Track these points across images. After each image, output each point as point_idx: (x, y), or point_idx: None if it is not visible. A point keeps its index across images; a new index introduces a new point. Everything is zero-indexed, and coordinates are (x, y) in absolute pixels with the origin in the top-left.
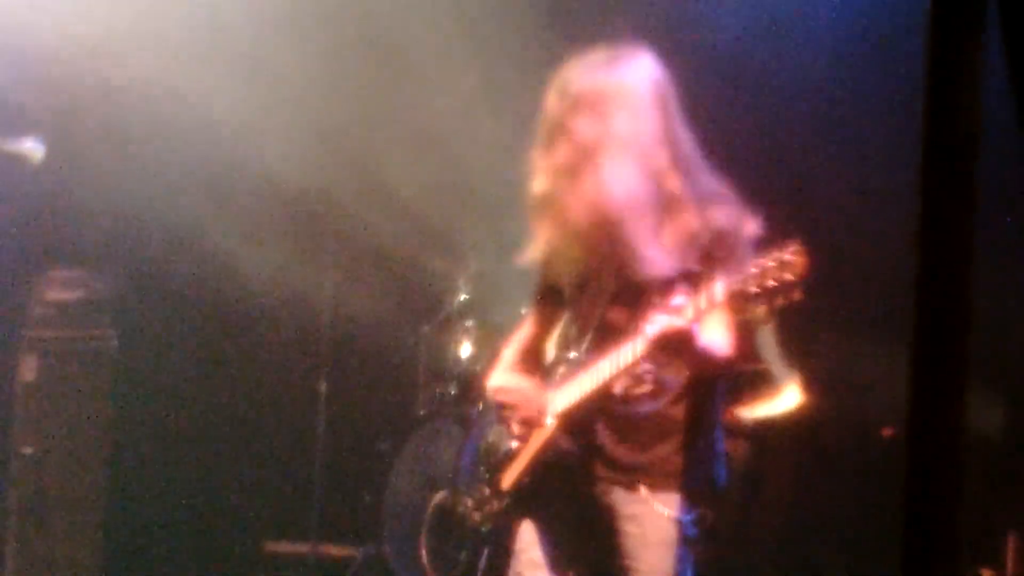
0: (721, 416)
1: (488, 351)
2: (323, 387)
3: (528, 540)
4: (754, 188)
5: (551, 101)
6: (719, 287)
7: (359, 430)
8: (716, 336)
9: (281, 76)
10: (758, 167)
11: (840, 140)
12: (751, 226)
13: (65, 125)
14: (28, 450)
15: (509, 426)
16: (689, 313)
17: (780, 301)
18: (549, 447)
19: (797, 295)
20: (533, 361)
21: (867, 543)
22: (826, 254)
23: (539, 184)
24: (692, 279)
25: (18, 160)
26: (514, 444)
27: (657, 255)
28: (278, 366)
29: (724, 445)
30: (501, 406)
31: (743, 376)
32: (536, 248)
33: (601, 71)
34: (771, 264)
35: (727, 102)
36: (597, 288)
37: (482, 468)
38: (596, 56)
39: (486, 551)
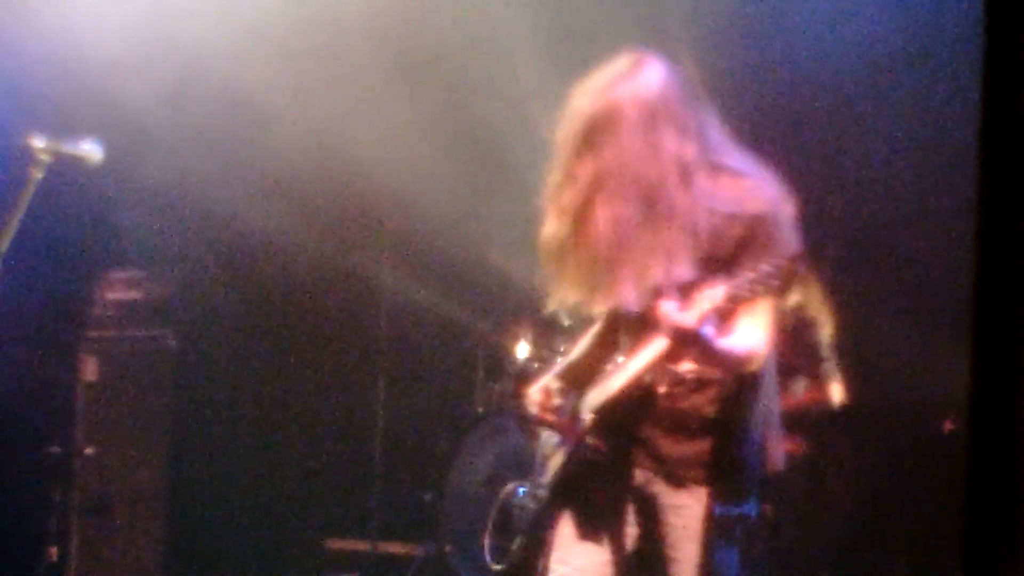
0: (771, 411)
1: (545, 349)
2: (382, 385)
3: (570, 528)
4: (812, 181)
5: (558, 146)
6: (719, 291)
7: (418, 428)
8: (741, 335)
9: (340, 74)
10: (818, 159)
11: (898, 131)
12: (788, 206)
13: (123, 127)
14: (90, 450)
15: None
16: (693, 315)
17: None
18: (582, 441)
19: (783, 296)
20: (588, 366)
21: (929, 539)
22: (885, 246)
23: (552, 229)
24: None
25: (77, 162)
26: (554, 439)
27: (684, 261)
28: (337, 364)
29: (762, 441)
30: (534, 412)
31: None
32: (561, 293)
33: (597, 97)
34: (769, 269)
35: (786, 98)
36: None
37: (539, 460)
38: (590, 84)
39: (531, 541)
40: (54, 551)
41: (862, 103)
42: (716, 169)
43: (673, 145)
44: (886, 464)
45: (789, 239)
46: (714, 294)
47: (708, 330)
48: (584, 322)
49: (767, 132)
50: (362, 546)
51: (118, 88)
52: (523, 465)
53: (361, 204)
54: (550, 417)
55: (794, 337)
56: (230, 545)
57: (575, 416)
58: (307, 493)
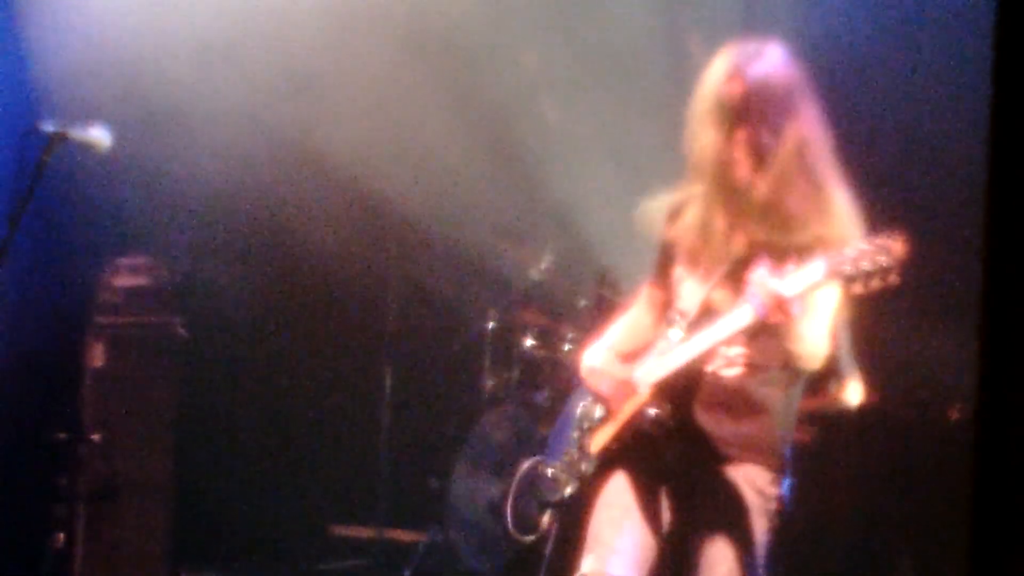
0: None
1: (553, 338)
2: (389, 373)
3: (612, 501)
4: None
5: (726, 87)
6: (820, 264)
7: (425, 416)
8: (815, 326)
9: (350, 62)
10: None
11: (908, 124)
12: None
13: (132, 112)
14: (97, 436)
15: (599, 400)
16: (792, 284)
17: (875, 284)
18: (639, 415)
19: (893, 279)
20: (636, 338)
21: (936, 528)
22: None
23: (710, 153)
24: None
25: (86, 147)
26: (600, 411)
27: (821, 243)
28: (344, 351)
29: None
30: (591, 383)
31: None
32: (688, 222)
33: (773, 61)
34: (870, 247)
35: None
36: (706, 269)
37: (575, 433)
38: (752, 47)
39: (565, 513)
40: (61, 537)
41: (869, 95)
42: None
43: (823, 123)
44: (892, 453)
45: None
46: (814, 268)
47: (798, 307)
48: (601, 305)
49: None
50: (368, 533)
51: (129, 73)
52: (530, 451)
53: (370, 191)
54: (608, 384)
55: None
56: (236, 531)
57: (630, 387)
58: (313, 480)
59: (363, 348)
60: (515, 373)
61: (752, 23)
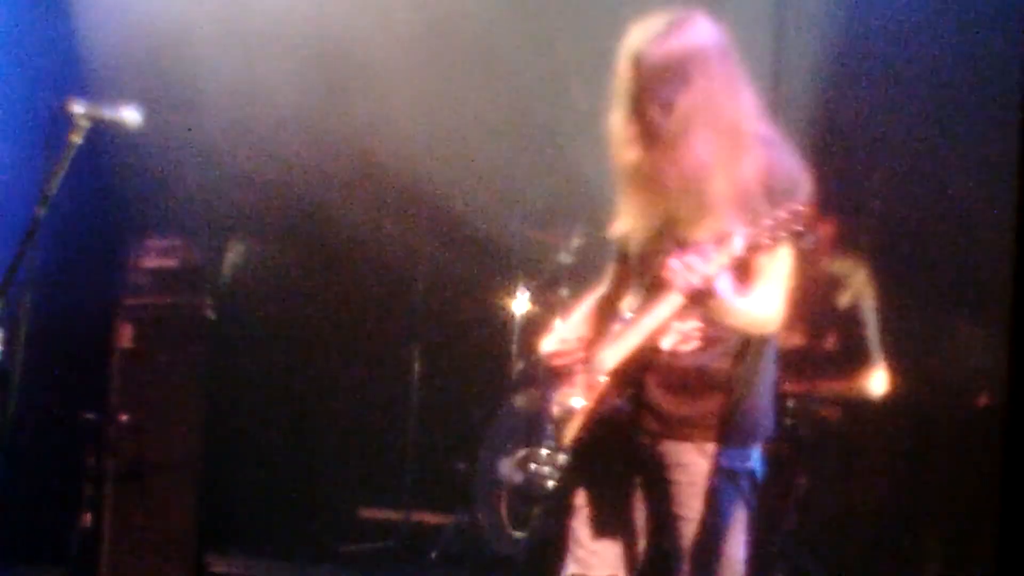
0: (770, 372)
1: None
2: (416, 355)
3: (585, 496)
4: (855, 166)
5: (625, 69)
6: (738, 240)
7: (452, 398)
8: (761, 295)
9: (381, 48)
10: (857, 149)
11: (936, 119)
12: (805, 179)
13: (162, 92)
14: (125, 417)
15: (566, 385)
16: (711, 264)
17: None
18: (602, 403)
19: (805, 243)
20: (598, 322)
21: (963, 514)
22: (921, 223)
23: (626, 153)
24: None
25: (116, 127)
26: (574, 402)
27: (724, 212)
28: (372, 333)
29: (764, 400)
30: (554, 368)
31: (839, 346)
32: (624, 217)
33: (671, 37)
34: (784, 216)
35: (829, 91)
36: (655, 249)
37: (551, 426)
38: (658, 21)
39: (552, 507)
40: (88, 517)
41: (902, 89)
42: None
43: (745, 90)
44: (920, 439)
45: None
46: (732, 244)
47: (724, 284)
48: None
49: (813, 125)
50: (395, 515)
51: (159, 52)
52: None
53: (398, 174)
54: (572, 368)
55: (843, 323)
56: (263, 513)
57: (593, 374)
58: (340, 462)
59: (391, 330)
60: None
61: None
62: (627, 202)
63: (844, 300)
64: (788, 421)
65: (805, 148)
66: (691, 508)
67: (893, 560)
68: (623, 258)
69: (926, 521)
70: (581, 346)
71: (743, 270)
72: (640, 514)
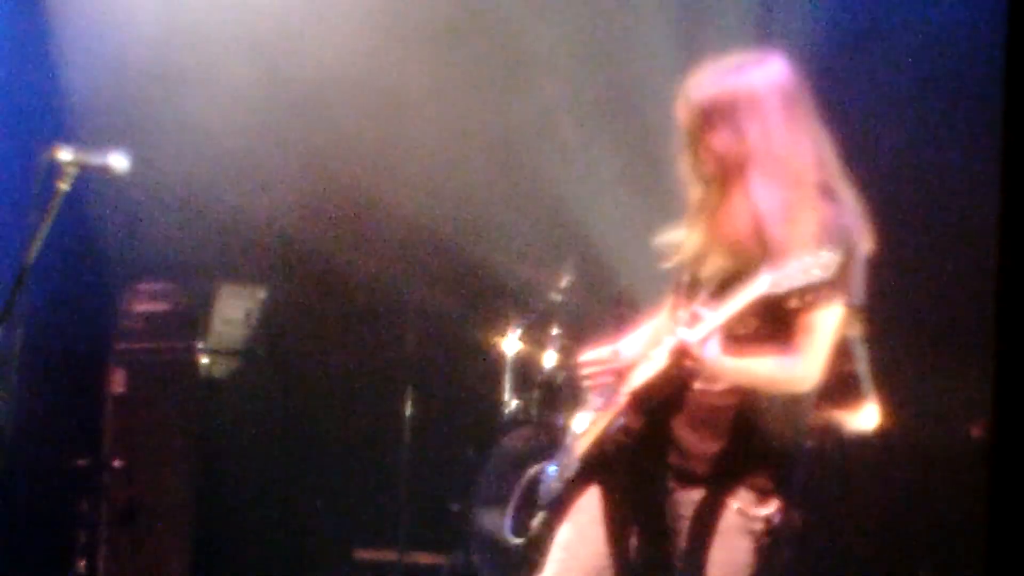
0: (804, 420)
1: (573, 359)
2: (409, 395)
3: (581, 507)
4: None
5: (681, 112)
6: (720, 312)
7: (445, 438)
8: (813, 350)
9: (370, 85)
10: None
11: (917, 131)
12: (867, 241)
13: (150, 138)
14: (118, 462)
15: (591, 390)
16: (695, 331)
17: (810, 299)
18: (615, 420)
19: (826, 293)
20: (644, 347)
21: (954, 547)
22: (906, 250)
23: (692, 192)
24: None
25: (103, 173)
26: (588, 417)
27: (765, 264)
28: (364, 374)
29: (807, 451)
30: (584, 374)
31: (831, 381)
32: (683, 247)
33: (727, 78)
34: (804, 264)
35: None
36: (699, 284)
37: (569, 438)
38: (722, 64)
39: (553, 517)
40: (83, 563)
41: (882, 121)
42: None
43: (814, 141)
44: (913, 469)
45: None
46: (716, 315)
47: (711, 349)
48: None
49: None
50: (390, 556)
51: (144, 97)
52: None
53: (388, 216)
54: (601, 375)
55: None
56: (257, 556)
57: (620, 386)
58: (335, 503)
59: (383, 371)
60: (535, 394)
61: (766, 43)
62: (687, 233)
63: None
64: None
65: None
66: (703, 547)
67: None
68: (677, 288)
69: (919, 555)
70: (617, 366)
71: (782, 323)
72: (648, 542)
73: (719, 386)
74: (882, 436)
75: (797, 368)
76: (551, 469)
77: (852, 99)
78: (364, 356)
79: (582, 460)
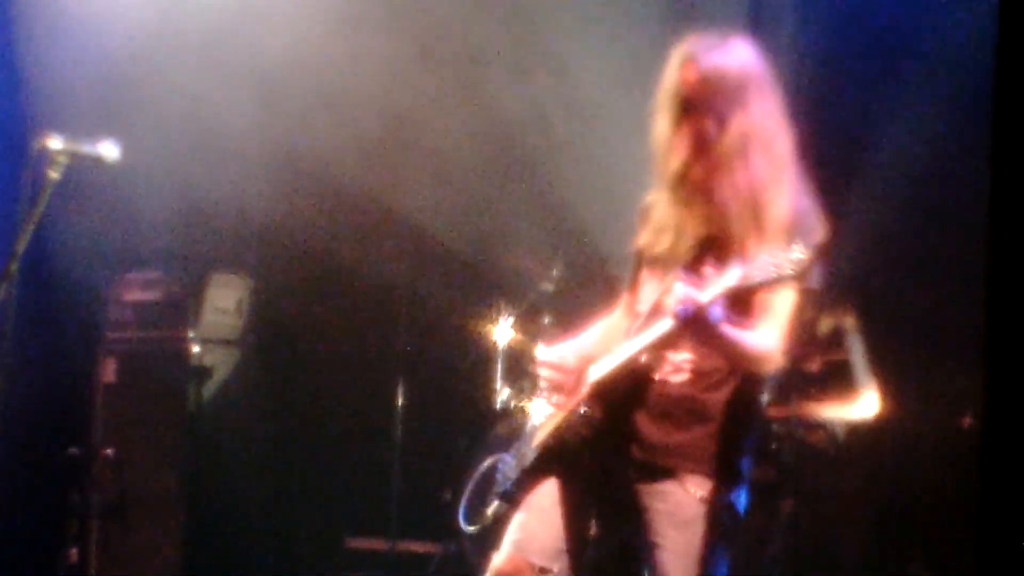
0: (760, 402)
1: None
2: (401, 385)
3: (542, 491)
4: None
5: (678, 73)
6: (735, 271)
7: (437, 428)
8: (759, 332)
9: (362, 74)
10: (832, 178)
11: (910, 128)
12: (822, 226)
13: (141, 126)
14: (109, 451)
15: (548, 391)
16: (705, 292)
17: (779, 287)
18: (574, 412)
19: (795, 283)
20: (607, 342)
21: (946, 536)
22: (897, 243)
23: (670, 160)
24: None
25: (94, 162)
26: (548, 408)
27: (757, 239)
28: (356, 364)
29: (751, 435)
30: (541, 373)
31: (823, 370)
32: (651, 227)
33: (729, 53)
34: (780, 256)
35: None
36: (663, 270)
37: (529, 428)
38: (712, 40)
39: (508, 505)
40: (74, 552)
41: (872, 116)
42: None
43: (787, 127)
44: (904, 461)
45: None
46: (728, 276)
47: (716, 312)
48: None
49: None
50: (382, 545)
51: (136, 85)
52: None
53: (380, 205)
54: (557, 377)
55: (828, 347)
56: (249, 545)
57: (579, 384)
58: (327, 493)
59: (375, 361)
60: (527, 384)
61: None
62: (661, 211)
63: (827, 324)
64: (773, 445)
65: None
66: (668, 537)
67: None
68: (635, 280)
69: (911, 544)
70: (573, 364)
71: (745, 305)
72: (596, 526)
73: (679, 377)
74: (873, 427)
75: (767, 341)
76: (508, 458)
77: (846, 99)
78: (356, 345)
79: (540, 450)
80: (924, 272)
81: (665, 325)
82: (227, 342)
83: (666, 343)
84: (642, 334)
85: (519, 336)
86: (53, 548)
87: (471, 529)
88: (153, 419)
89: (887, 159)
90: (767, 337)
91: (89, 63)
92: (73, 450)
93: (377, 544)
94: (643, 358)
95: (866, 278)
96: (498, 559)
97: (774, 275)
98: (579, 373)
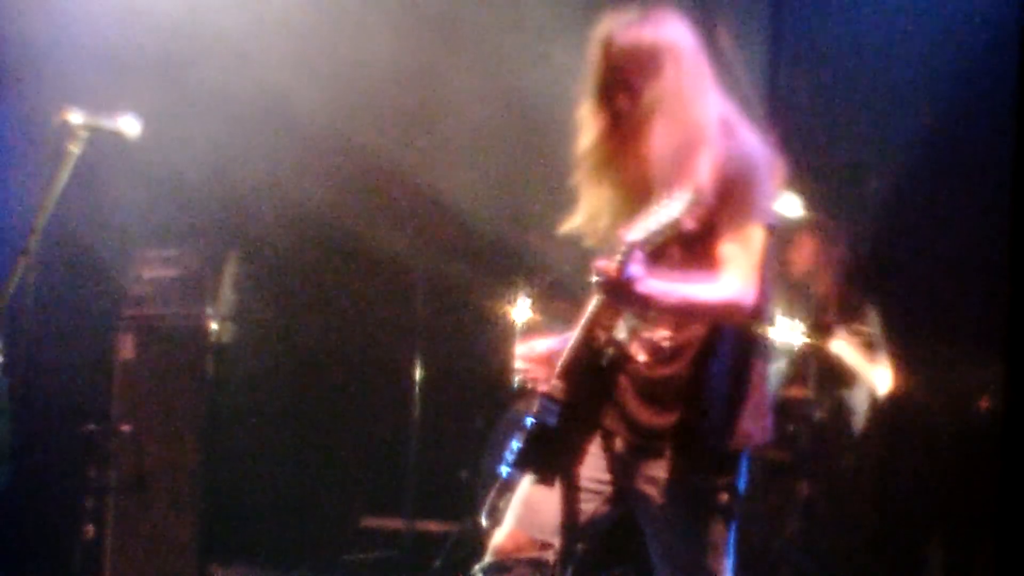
0: (758, 373)
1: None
2: (418, 364)
3: (526, 488)
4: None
5: (595, 56)
6: (637, 230)
7: (454, 407)
8: (718, 283)
9: (381, 55)
10: (856, 168)
11: (932, 120)
12: (774, 171)
13: (162, 102)
14: (127, 428)
15: (525, 382)
16: (613, 259)
17: (671, 233)
18: (540, 397)
19: (687, 225)
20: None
21: (964, 519)
22: (920, 227)
23: (589, 139)
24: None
25: (115, 137)
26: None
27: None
28: (374, 343)
29: (746, 410)
30: (516, 366)
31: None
32: (581, 211)
33: (643, 27)
34: (667, 203)
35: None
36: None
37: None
38: (632, 16)
39: (504, 494)
40: (91, 528)
41: (896, 107)
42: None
43: (714, 91)
44: (921, 442)
45: (751, 206)
46: (633, 234)
47: (632, 271)
48: None
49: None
50: (398, 524)
51: (157, 60)
52: None
53: (398, 184)
54: (529, 368)
55: (852, 318)
56: (266, 523)
57: (549, 373)
58: (343, 471)
59: (393, 340)
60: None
61: (776, 22)
62: (585, 194)
63: (850, 298)
64: (790, 427)
65: (799, 153)
66: (664, 522)
67: (895, 566)
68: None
69: (928, 526)
70: (545, 352)
71: (705, 259)
72: (603, 517)
73: (657, 356)
74: (891, 408)
75: (727, 288)
76: (508, 453)
77: (868, 93)
78: (374, 324)
79: (525, 438)
80: (945, 254)
81: (597, 299)
82: (244, 319)
83: (604, 315)
84: (585, 314)
85: (538, 316)
86: (71, 524)
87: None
88: (171, 396)
89: (911, 150)
90: (726, 285)
91: (114, 40)
92: (90, 427)
93: (393, 523)
94: (610, 339)
95: (887, 257)
96: (499, 535)
97: (665, 220)
98: (549, 362)
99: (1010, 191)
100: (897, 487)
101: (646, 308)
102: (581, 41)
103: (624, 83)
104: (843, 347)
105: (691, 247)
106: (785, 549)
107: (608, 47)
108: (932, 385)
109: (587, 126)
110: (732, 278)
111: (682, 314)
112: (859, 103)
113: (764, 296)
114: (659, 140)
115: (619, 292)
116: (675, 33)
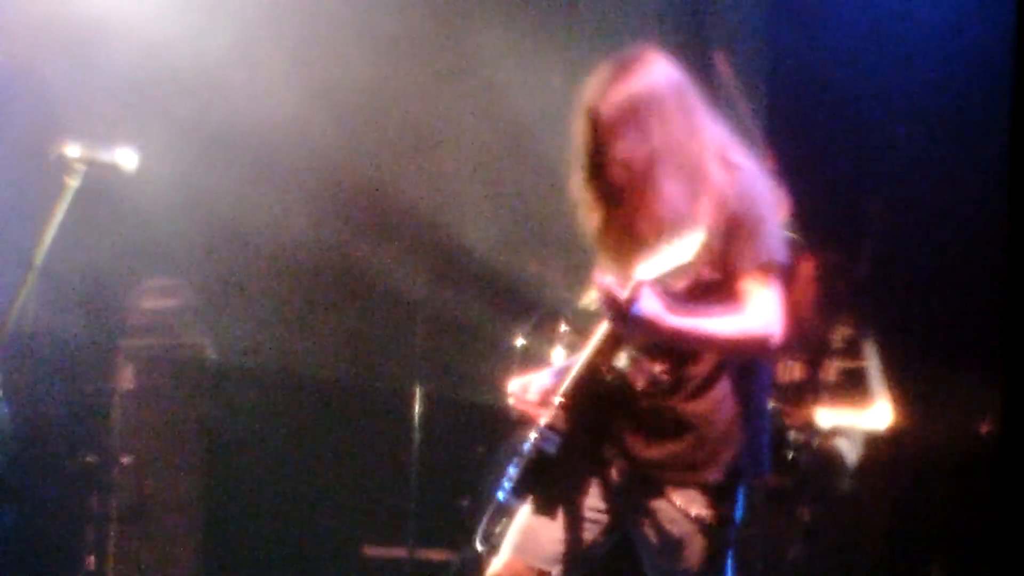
0: (757, 406)
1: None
2: (418, 392)
3: (524, 516)
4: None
5: (586, 128)
6: (644, 267)
7: (455, 435)
8: (737, 318)
9: (369, 80)
10: (849, 183)
11: (927, 152)
12: (775, 209)
13: (159, 134)
14: (127, 459)
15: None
16: (627, 288)
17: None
18: (547, 424)
19: (695, 271)
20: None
21: (967, 539)
22: (916, 249)
23: (594, 215)
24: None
25: (112, 169)
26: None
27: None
28: (373, 370)
29: (748, 443)
30: (509, 403)
31: (839, 378)
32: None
33: (620, 86)
34: (683, 244)
35: (816, 124)
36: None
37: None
38: (607, 69)
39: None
40: (92, 560)
41: (887, 126)
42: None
43: (707, 126)
44: (922, 465)
45: (765, 241)
46: (644, 273)
47: (646, 306)
48: None
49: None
50: (399, 553)
51: (153, 93)
52: None
53: (398, 212)
54: (522, 406)
55: (846, 353)
56: (267, 552)
57: (545, 407)
58: (344, 500)
59: (393, 368)
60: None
61: (774, 39)
62: (602, 267)
63: (844, 331)
64: (790, 453)
65: (795, 173)
66: (661, 553)
67: None
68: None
69: (929, 550)
70: (539, 388)
71: (727, 295)
72: (599, 547)
73: (656, 388)
74: (892, 433)
75: (755, 320)
76: (505, 480)
77: (862, 102)
78: (374, 352)
79: (523, 468)
80: (942, 278)
81: (604, 327)
82: (244, 349)
83: (608, 343)
84: (590, 342)
85: (536, 343)
86: (71, 555)
87: (480, 548)
88: (171, 426)
89: (904, 166)
90: (754, 317)
91: (108, 71)
92: (91, 457)
93: (395, 552)
94: (611, 368)
95: (884, 284)
96: (497, 563)
97: (678, 262)
98: (544, 396)
99: (1007, 214)
100: (898, 512)
101: (669, 341)
102: (578, 71)
103: (614, 158)
104: (828, 416)
105: (710, 289)
106: (786, 575)
107: (590, 121)
108: (932, 410)
109: (586, 203)
110: (759, 311)
111: (709, 348)
112: (850, 126)
113: (790, 329)
114: (663, 195)
115: (627, 320)
116: (656, 77)
